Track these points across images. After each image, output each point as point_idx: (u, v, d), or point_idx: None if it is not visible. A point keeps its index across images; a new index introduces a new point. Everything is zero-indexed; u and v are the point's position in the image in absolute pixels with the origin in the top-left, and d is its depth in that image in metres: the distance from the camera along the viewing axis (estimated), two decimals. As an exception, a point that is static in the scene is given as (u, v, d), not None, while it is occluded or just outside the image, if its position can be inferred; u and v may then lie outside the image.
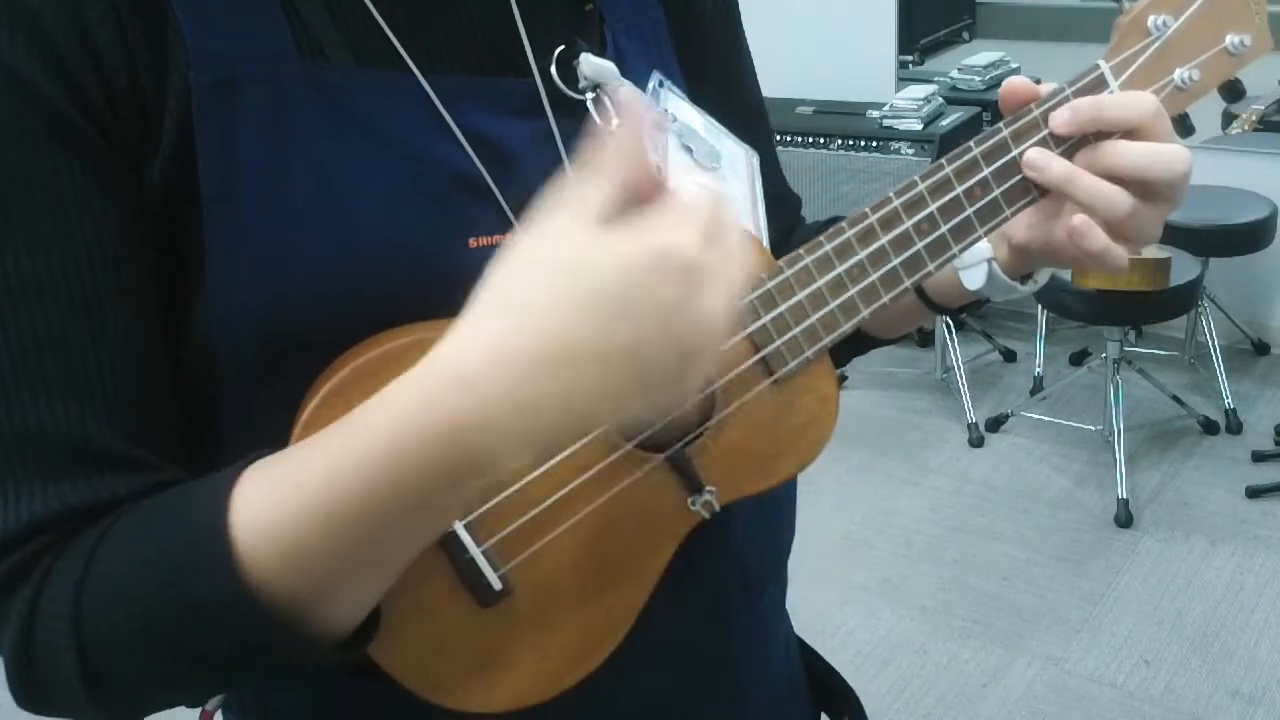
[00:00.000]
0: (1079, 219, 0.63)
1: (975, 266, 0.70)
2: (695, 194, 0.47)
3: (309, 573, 0.49)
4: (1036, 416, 3.30)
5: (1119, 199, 0.62)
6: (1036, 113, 0.64)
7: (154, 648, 0.49)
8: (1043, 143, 0.64)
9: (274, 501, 0.48)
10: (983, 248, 0.69)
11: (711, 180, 0.66)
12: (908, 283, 0.63)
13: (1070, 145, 0.64)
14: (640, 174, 0.47)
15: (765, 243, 0.66)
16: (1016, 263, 0.70)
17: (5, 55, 0.49)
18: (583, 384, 0.45)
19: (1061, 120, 0.63)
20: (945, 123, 3.50)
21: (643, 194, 0.48)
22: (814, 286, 0.61)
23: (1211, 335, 3.25)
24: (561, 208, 0.47)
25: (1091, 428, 3.18)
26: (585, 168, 0.47)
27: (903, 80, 3.80)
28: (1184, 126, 0.68)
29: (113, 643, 0.49)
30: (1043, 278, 0.72)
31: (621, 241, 0.45)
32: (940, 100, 3.60)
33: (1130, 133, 0.62)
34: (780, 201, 0.78)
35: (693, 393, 0.47)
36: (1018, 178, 0.64)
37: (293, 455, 0.50)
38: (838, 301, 0.62)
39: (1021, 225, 0.67)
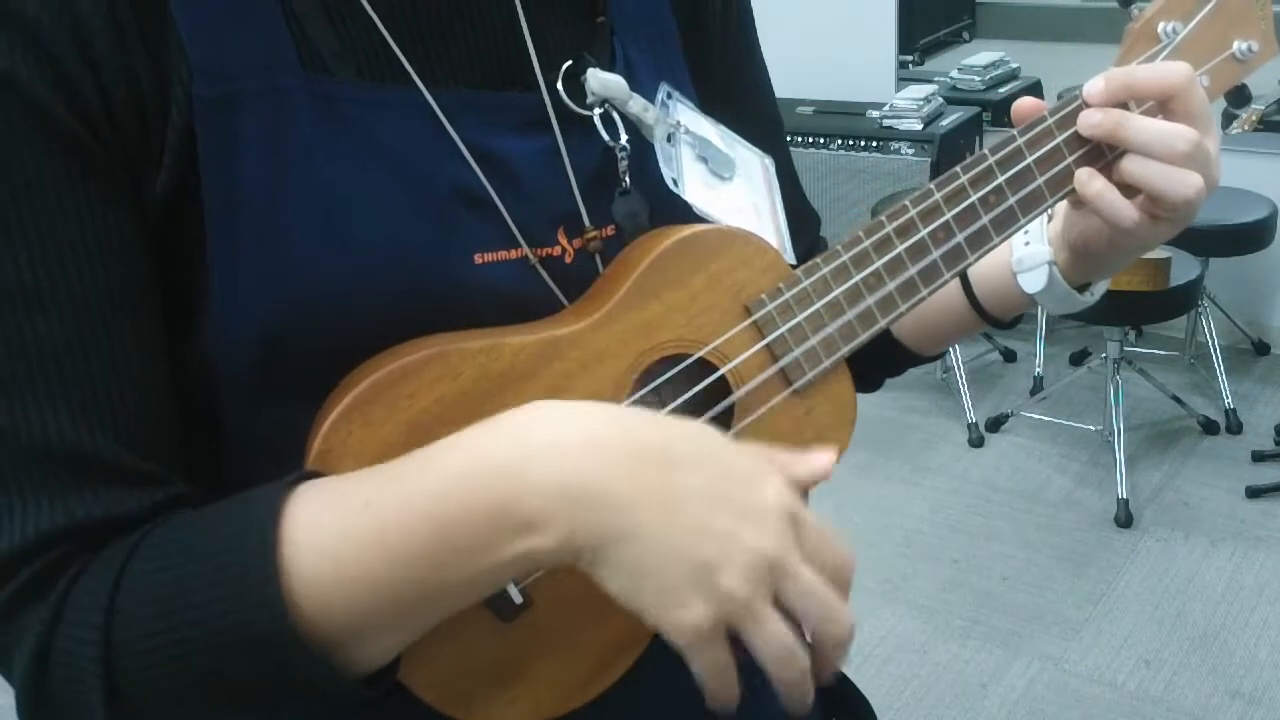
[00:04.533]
0: (1080, 170, 0.64)
1: (1036, 270, 0.69)
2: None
3: (355, 617, 0.49)
4: (1036, 416, 3.30)
5: (1126, 212, 0.64)
6: (1050, 120, 0.64)
7: (186, 672, 0.49)
8: (1055, 149, 0.64)
9: (325, 536, 0.49)
10: (1043, 250, 0.69)
11: (729, 189, 0.66)
12: (925, 291, 0.63)
13: (1086, 153, 0.64)
14: None
15: (787, 246, 0.66)
16: (1075, 267, 0.70)
17: (4, 66, 0.49)
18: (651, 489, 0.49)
19: (1095, 90, 0.63)
20: (945, 123, 3.51)
21: None
22: (831, 295, 0.61)
23: (1211, 335, 3.26)
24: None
25: (1091, 428, 3.19)
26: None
27: (903, 80, 3.81)
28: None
29: (144, 665, 0.49)
30: (1098, 290, 0.72)
31: (765, 461, 0.52)
32: (940, 100, 3.60)
33: (1165, 106, 0.63)
34: (800, 220, 0.77)
35: (681, 590, 0.49)
36: (1032, 185, 0.64)
37: (349, 495, 0.51)
38: (855, 311, 0.62)
39: (1075, 227, 0.68)
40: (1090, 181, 0.63)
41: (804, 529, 0.51)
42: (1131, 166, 0.62)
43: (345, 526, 0.49)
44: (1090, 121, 0.63)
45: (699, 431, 0.52)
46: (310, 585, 0.48)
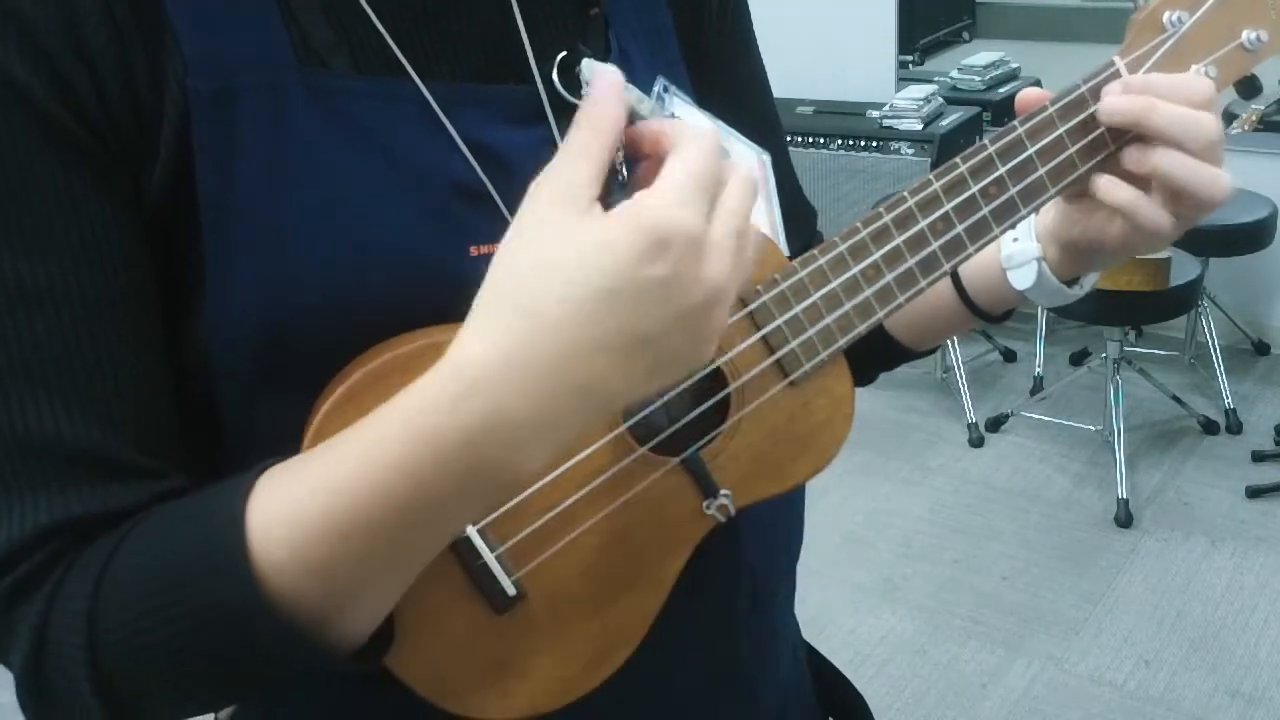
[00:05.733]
0: (1102, 177, 0.63)
1: (1024, 266, 0.69)
2: (689, 141, 0.48)
3: (324, 578, 0.48)
4: (1036, 416, 3.29)
5: (1158, 219, 0.62)
6: (1051, 110, 0.63)
7: (169, 655, 0.49)
8: (1057, 140, 0.63)
9: (289, 508, 0.48)
10: (1031, 247, 0.69)
11: None
12: (924, 283, 0.62)
13: (1088, 144, 0.63)
14: (622, 137, 0.49)
15: (782, 241, 0.66)
16: (1066, 263, 0.69)
17: (0, 62, 0.49)
18: (597, 377, 0.46)
19: (1112, 95, 0.63)
20: (945, 123, 3.50)
21: (638, 151, 0.49)
22: (829, 287, 0.61)
23: (1211, 335, 3.26)
24: (549, 194, 0.47)
25: (1091, 428, 3.18)
26: (566, 146, 0.48)
27: (903, 80, 3.80)
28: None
29: (127, 650, 0.49)
30: (1088, 283, 0.71)
31: (613, 227, 0.45)
32: (940, 100, 3.60)
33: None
34: (795, 215, 0.77)
35: (706, 357, 0.48)
36: (1033, 176, 0.63)
37: (308, 462, 0.50)
38: (853, 303, 0.61)
39: (1069, 222, 0.67)
40: (1115, 189, 0.62)
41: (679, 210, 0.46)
42: (1166, 162, 0.61)
43: (308, 502, 0.48)
44: (1115, 108, 0.62)
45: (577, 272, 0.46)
46: (279, 561, 0.48)
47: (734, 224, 0.48)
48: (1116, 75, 0.64)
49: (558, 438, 0.47)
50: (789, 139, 3.97)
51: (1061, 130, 0.63)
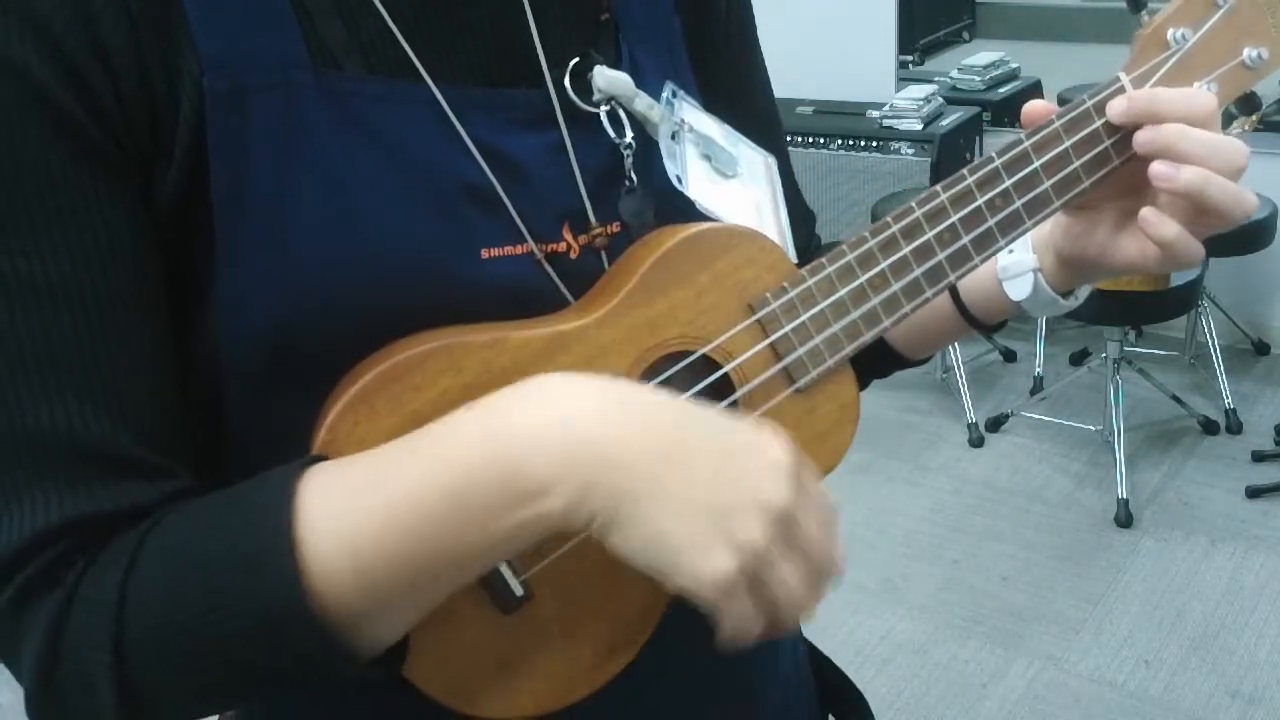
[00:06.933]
0: (1146, 210, 0.63)
1: (1020, 277, 0.70)
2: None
3: (367, 587, 0.49)
4: (1036, 416, 3.30)
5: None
6: (1057, 124, 0.64)
7: (201, 657, 0.49)
8: (1063, 154, 0.64)
9: (340, 515, 0.49)
10: (1028, 259, 0.70)
11: (732, 187, 0.66)
12: (929, 293, 0.63)
13: (1093, 157, 0.64)
14: None
15: (790, 247, 0.66)
16: (1061, 275, 0.70)
17: (16, 59, 0.49)
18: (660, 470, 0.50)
19: (1118, 110, 0.64)
20: (945, 123, 3.51)
21: None
22: (837, 295, 0.61)
23: (1211, 335, 3.26)
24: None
25: (1091, 428, 3.19)
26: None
27: (903, 80, 3.81)
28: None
29: (157, 653, 0.49)
30: (1082, 294, 0.72)
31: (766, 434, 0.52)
32: (940, 100, 3.61)
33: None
34: (795, 218, 0.77)
35: (711, 557, 0.50)
36: (1039, 188, 0.64)
37: (359, 466, 0.51)
38: (860, 310, 0.62)
39: (1069, 236, 0.68)
40: (1162, 224, 0.63)
41: (805, 485, 0.53)
42: (1199, 179, 0.61)
43: (356, 505, 0.49)
44: (1145, 138, 0.63)
45: (705, 406, 0.54)
46: (324, 564, 0.48)
47: (816, 536, 0.52)
48: (1122, 91, 0.65)
49: (606, 511, 0.50)
50: (789, 139, 3.96)
51: (1067, 144, 0.64)
